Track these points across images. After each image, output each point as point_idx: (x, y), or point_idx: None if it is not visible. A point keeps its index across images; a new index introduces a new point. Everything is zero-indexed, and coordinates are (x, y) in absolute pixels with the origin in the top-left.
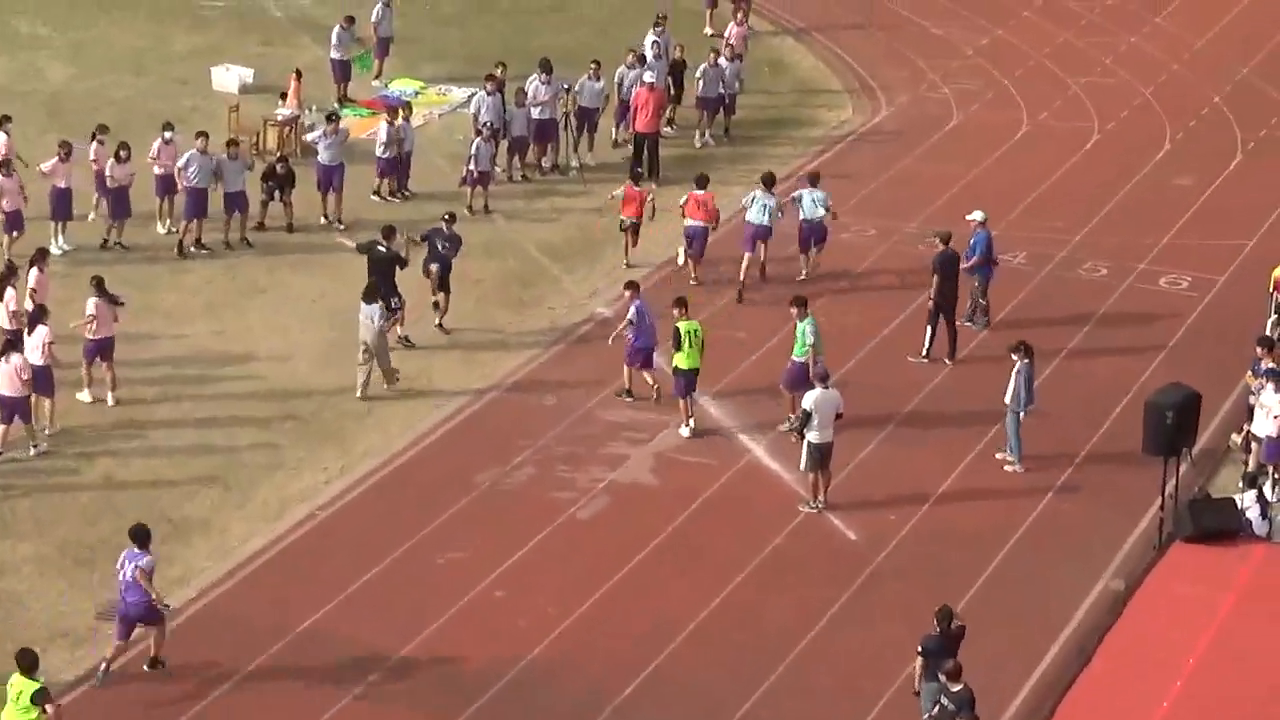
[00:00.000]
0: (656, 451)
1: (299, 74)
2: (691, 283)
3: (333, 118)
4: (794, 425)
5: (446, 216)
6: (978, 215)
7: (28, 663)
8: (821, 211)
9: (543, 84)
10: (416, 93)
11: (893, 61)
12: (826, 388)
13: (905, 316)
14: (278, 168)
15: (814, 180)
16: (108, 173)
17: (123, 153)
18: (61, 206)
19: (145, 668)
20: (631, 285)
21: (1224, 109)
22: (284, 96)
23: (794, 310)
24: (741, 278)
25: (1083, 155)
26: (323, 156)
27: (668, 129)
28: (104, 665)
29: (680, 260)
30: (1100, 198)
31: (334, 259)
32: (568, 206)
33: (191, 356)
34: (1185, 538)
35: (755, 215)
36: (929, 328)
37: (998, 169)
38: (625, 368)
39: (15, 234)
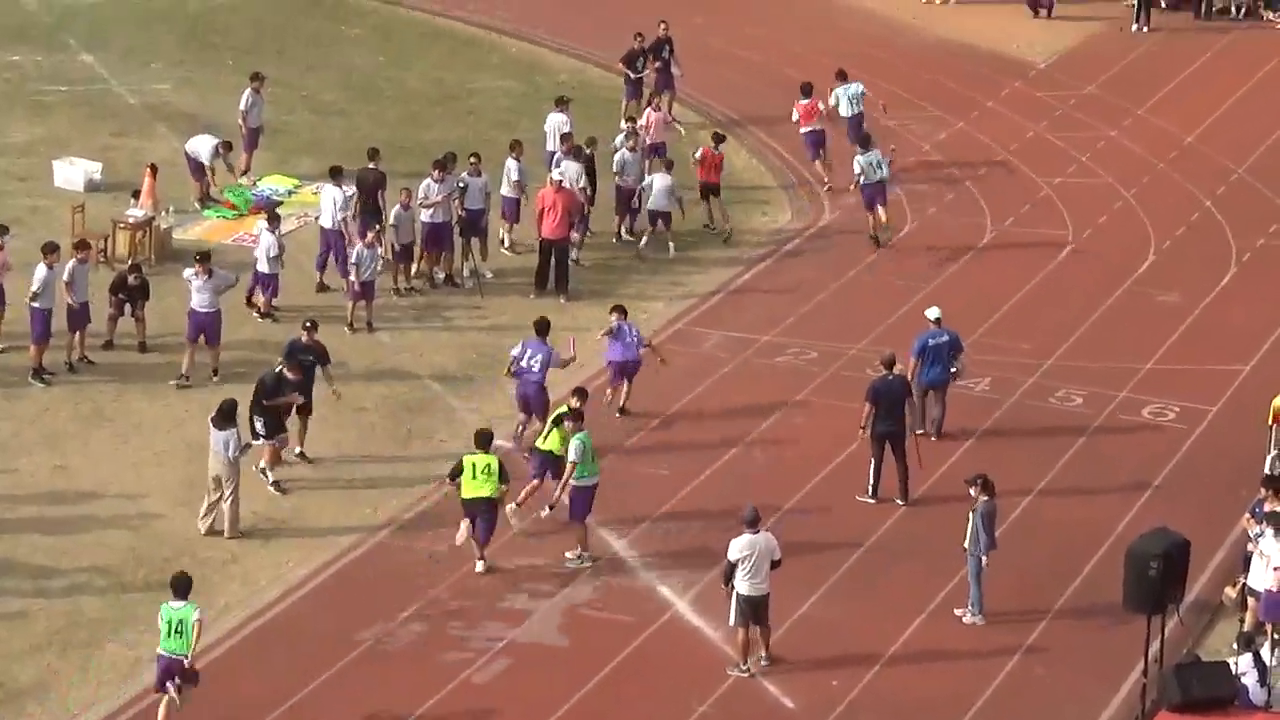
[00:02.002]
0: (564, 606)
1: (154, 169)
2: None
3: (203, 257)
4: None
5: (307, 324)
6: (933, 313)
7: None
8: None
9: (435, 183)
10: (290, 191)
11: (837, 157)
12: (756, 531)
13: (853, 450)
14: (130, 278)
15: None
16: None
17: None
18: None
19: None
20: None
21: (1216, 214)
22: (137, 195)
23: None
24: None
25: (1055, 267)
26: (196, 301)
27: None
28: None
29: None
30: (1075, 316)
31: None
32: (462, 324)
33: (28, 495)
34: (1171, 707)
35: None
36: (873, 463)
37: (957, 282)
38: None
39: None
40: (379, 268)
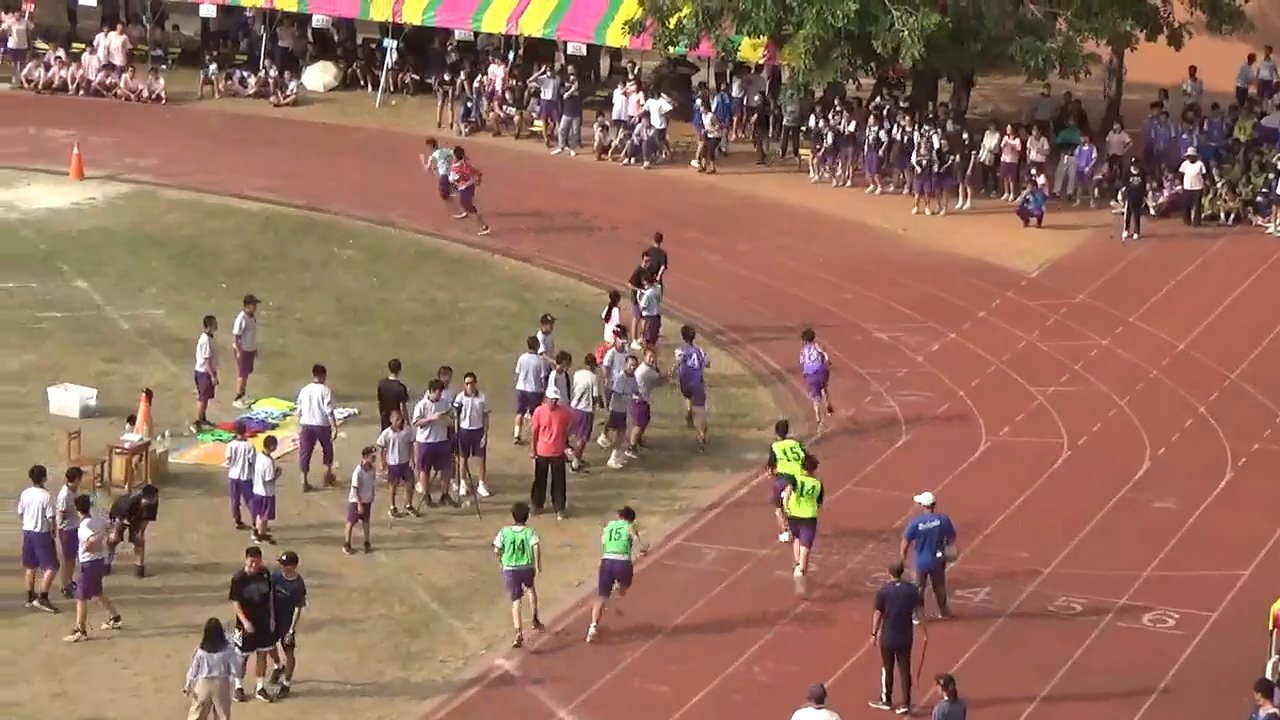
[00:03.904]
0: None
1: (149, 394)
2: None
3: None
4: None
5: (284, 558)
6: (925, 499)
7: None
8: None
9: (431, 402)
10: (284, 415)
11: (832, 369)
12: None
13: (859, 658)
14: (143, 499)
15: None
16: None
17: None
18: None
19: None
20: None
21: (1210, 420)
22: (132, 420)
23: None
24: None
25: (1050, 475)
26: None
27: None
28: None
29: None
30: (1072, 523)
31: (193, 607)
32: (461, 543)
33: None
34: None
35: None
36: (884, 670)
37: (954, 491)
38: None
39: None
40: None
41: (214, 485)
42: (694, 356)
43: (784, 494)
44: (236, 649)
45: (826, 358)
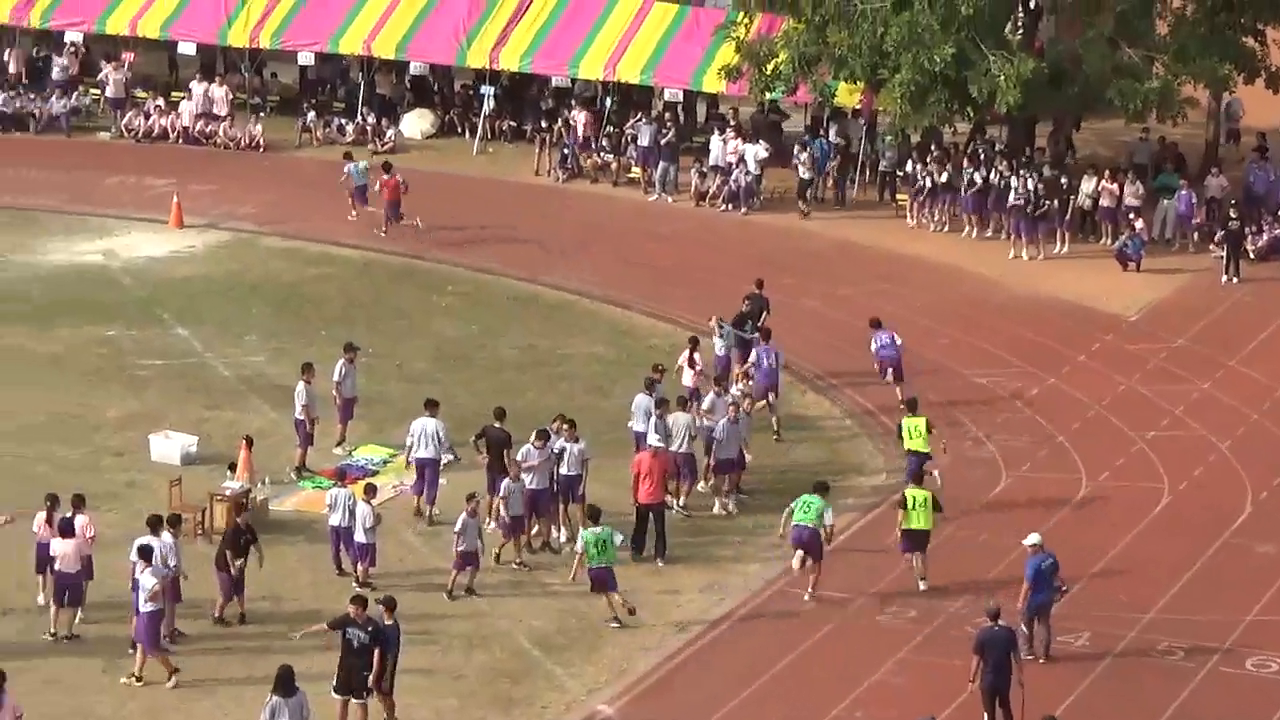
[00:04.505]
0: None
1: (249, 441)
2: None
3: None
4: None
5: (382, 601)
6: (1033, 539)
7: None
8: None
9: (535, 449)
10: (385, 461)
11: (929, 413)
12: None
13: (962, 700)
14: (240, 522)
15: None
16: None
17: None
18: None
19: None
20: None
21: None
22: (233, 467)
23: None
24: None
25: (1151, 521)
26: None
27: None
28: None
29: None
30: (1173, 568)
31: (293, 655)
32: (561, 589)
33: None
34: None
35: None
36: (986, 715)
37: (1054, 536)
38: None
39: None
40: (481, 536)
41: (314, 532)
42: (771, 356)
43: (906, 489)
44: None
45: (899, 341)
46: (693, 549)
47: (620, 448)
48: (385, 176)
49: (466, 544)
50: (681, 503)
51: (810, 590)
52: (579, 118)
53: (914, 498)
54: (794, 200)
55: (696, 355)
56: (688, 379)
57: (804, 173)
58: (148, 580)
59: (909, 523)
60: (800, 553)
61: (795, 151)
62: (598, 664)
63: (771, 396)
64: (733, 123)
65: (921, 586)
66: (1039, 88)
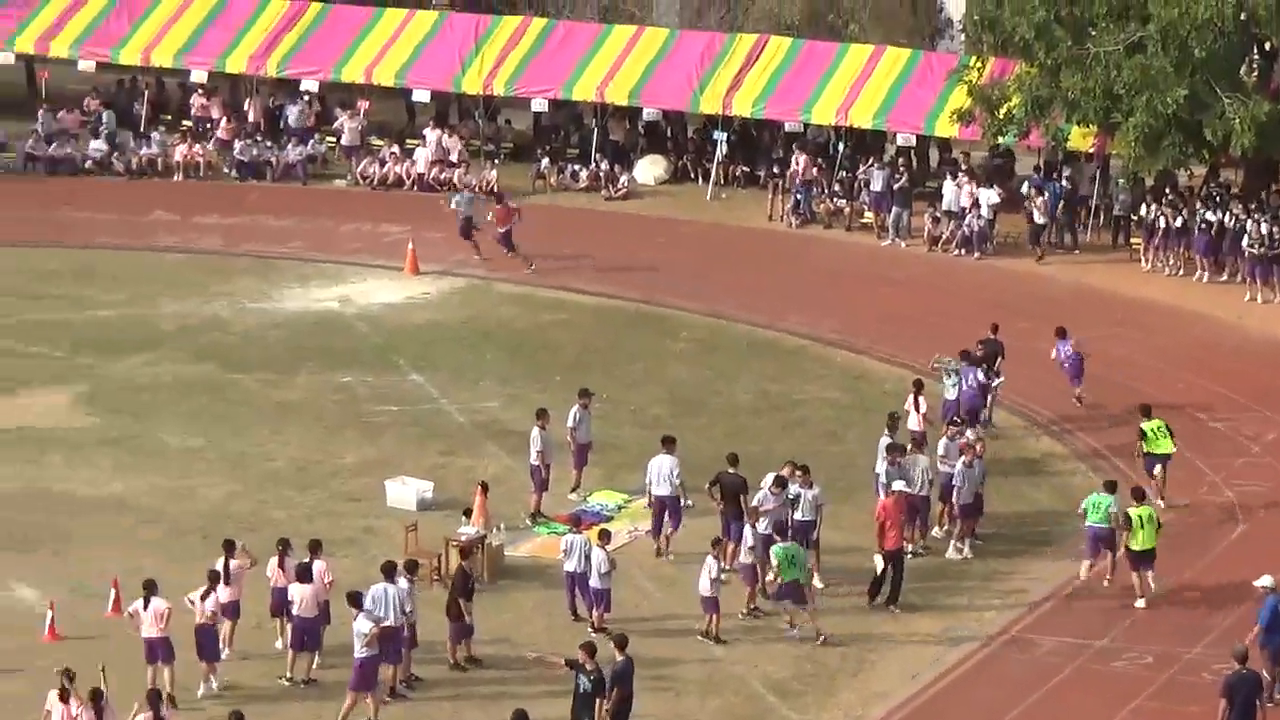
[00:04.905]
0: None
1: (484, 487)
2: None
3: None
4: None
5: (618, 640)
6: (1266, 581)
7: None
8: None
9: (771, 495)
10: (619, 506)
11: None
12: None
13: None
14: (470, 583)
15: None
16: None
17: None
18: (209, 644)
19: None
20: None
21: None
22: (468, 513)
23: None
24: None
25: None
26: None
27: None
28: None
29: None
30: None
31: (529, 701)
32: (797, 635)
33: None
34: None
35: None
36: None
37: None
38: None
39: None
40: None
41: (549, 578)
42: (971, 376)
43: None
44: None
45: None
46: (927, 595)
47: (851, 493)
48: (498, 206)
49: (713, 589)
50: (917, 547)
51: (1108, 578)
52: (800, 161)
53: (1139, 516)
54: (1026, 244)
55: (921, 399)
56: (914, 423)
57: (1038, 217)
58: (362, 625)
59: (1134, 542)
60: (1092, 559)
61: (1029, 195)
62: (833, 711)
63: (983, 415)
64: (965, 167)
65: (1140, 605)
66: (1275, 130)
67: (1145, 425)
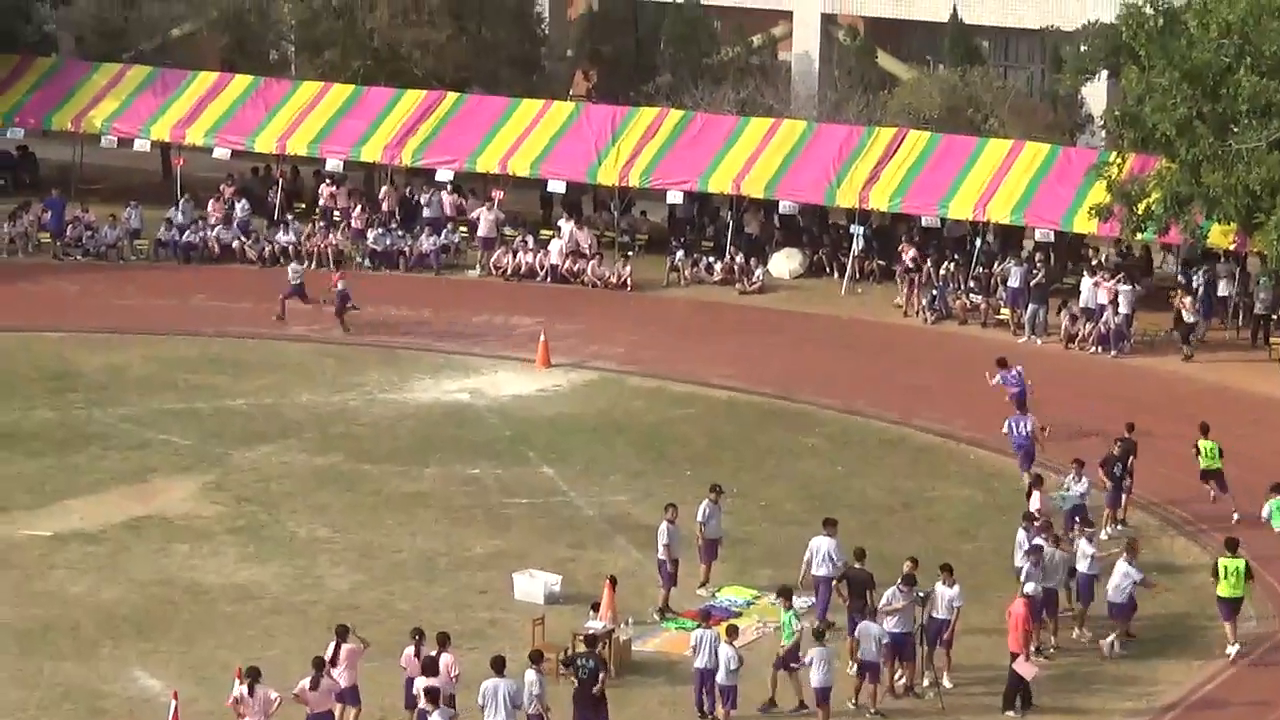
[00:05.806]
0: None
1: (613, 581)
2: None
3: None
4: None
5: None
6: None
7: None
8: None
9: (900, 592)
10: (749, 602)
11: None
12: None
13: None
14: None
15: None
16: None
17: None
18: None
19: None
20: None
21: None
22: (596, 607)
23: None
24: None
25: None
26: None
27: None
28: None
29: None
30: None
31: None
32: None
33: None
34: None
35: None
36: None
37: None
38: None
39: None
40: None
41: (677, 674)
42: (1022, 423)
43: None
44: None
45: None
46: (1057, 698)
47: (982, 592)
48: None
49: (824, 679)
50: (1051, 645)
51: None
52: (909, 253)
53: (1225, 567)
54: (1161, 342)
55: (1037, 494)
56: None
57: (1188, 316)
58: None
59: (1221, 590)
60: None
61: (1177, 293)
62: None
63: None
64: (1103, 264)
65: (1230, 652)
66: None
67: (1201, 443)
